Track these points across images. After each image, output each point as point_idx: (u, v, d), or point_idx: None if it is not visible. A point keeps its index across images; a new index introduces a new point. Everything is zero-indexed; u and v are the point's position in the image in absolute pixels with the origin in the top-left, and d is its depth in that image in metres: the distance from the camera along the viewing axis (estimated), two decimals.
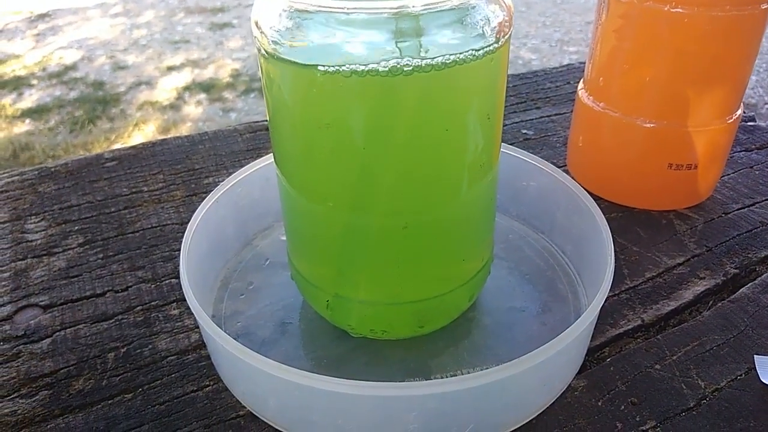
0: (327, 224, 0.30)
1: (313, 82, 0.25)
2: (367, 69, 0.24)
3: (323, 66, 0.24)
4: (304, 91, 0.26)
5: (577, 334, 0.27)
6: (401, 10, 0.24)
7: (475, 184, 0.29)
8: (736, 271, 0.40)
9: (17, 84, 2.36)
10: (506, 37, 0.27)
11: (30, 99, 2.25)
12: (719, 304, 0.37)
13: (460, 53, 0.25)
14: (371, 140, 0.26)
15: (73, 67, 2.53)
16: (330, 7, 0.24)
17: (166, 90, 2.34)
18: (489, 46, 0.26)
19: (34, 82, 2.39)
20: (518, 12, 3.20)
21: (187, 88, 2.37)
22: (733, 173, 0.50)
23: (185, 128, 2.08)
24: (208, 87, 2.35)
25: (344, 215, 0.29)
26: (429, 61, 0.24)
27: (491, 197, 0.32)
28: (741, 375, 0.33)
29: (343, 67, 0.24)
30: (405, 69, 0.23)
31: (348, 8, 0.24)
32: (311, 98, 0.26)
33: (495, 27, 0.26)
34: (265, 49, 0.26)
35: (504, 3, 0.27)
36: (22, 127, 2.07)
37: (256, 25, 0.27)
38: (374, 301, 0.32)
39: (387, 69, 0.23)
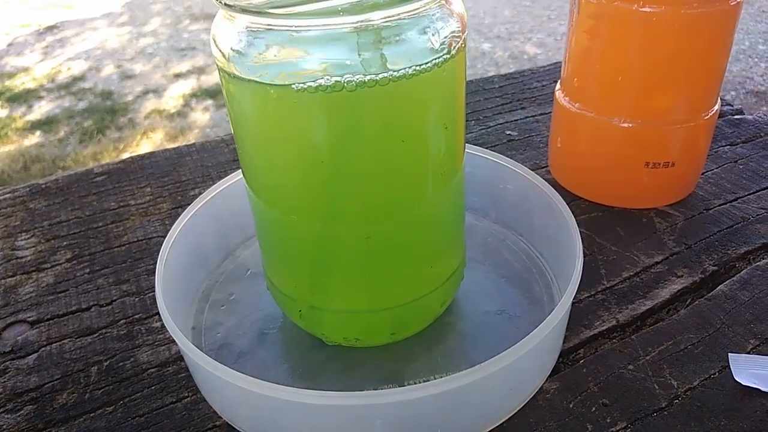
0: (293, 236, 0.31)
1: (267, 99, 0.26)
2: (316, 85, 0.24)
3: (276, 84, 0.25)
4: (260, 107, 0.27)
5: (538, 340, 0.28)
6: (347, 25, 0.24)
7: (436, 192, 0.30)
8: (715, 268, 0.40)
9: (27, 97, 2.40)
10: (459, 47, 0.27)
11: (39, 111, 2.28)
12: (696, 302, 0.37)
13: (409, 67, 0.25)
14: (327, 154, 0.27)
15: (81, 77, 2.56)
16: (281, 26, 0.25)
17: (173, 97, 2.37)
18: (440, 57, 0.26)
19: (44, 94, 2.42)
20: (522, 6, 3.19)
21: (193, 95, 2.39)
22: (717, 168, 0.50)
23: (193, 135, 2.10)
24: (214, 93, 2.37)
25: (309, 227, 0.29)
26: (373, 76, 0.24)
27: (457, 204, 0.33)
28: (714, 374, 0.33)
29: (294, 85, 0.25)
30: (350, 85, 0.24)
31: (297, 26, 0.24)
32: (267, 114, 0.27)
33: (446, 38, 0.26)
34: (222, 67, 0.27)
35: (456, 14, 0.27)
36: (33, 139, 2.10)
37: (215, 42, 0.28)
38: (344, 309, 0.32)
39: (331, 84, 0.24)
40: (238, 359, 0.35)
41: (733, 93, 2.22)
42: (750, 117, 0.56)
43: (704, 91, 0.41)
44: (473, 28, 2.94)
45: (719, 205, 0.45)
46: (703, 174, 0.48)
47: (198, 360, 0.28)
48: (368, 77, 0.24)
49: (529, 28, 2.93)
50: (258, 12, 0.24)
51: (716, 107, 0.43)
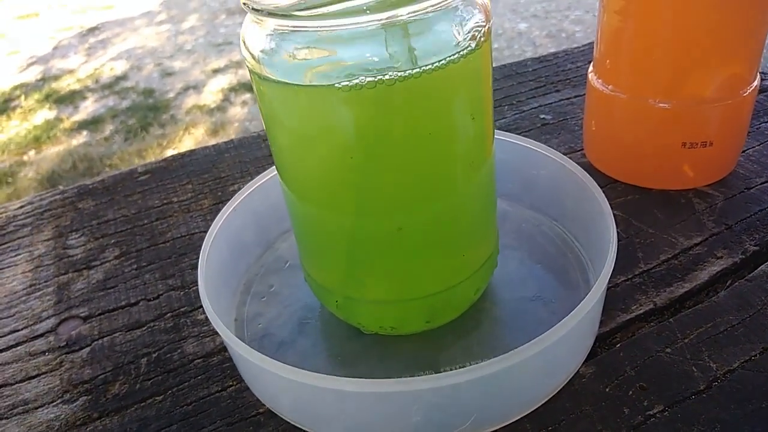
0: (327, 229, 0.31)
1: (297, 99, 0.27)
2: (346, 84, 0.25)
3: (304, 84, 0.26)
4: (291, 106, 0.28)
5: (573, 325, 0.28)
6: (374, 23, 0.24)
7: (466, 182, 0.30)
8: (756, 248, 0.39)
9: (73, 98, 2.47)
10: (483, 38, 0.27)
11: (85, 111, 2.35)
12: (736, 284, 0.37)
13: (437, 60, 0.25)
14: (357, 149, 0.27)
15: (123, 77, 2.63)
16: (308, 27, 0.25)
17: (212, 92, 2.41)
18: (466, 49, 0.26)
19: (88, 94, 2.50)
20: None
21: (232, 89, 2.43)
22: (759, 145, 0.48)
23: (233, 129, 2.14)
24: (252, 86, 2.41)
25: (341, 220, 0.30)
26: (402, 72, 0.24)
27: (487, 192, 0.33)
28: (755, 355, 0.33)
29: (323, 84, 0.25)
30: (378, 81, 0.24)
31: (323, 27, 0.25)
32: (297, 113, 0.27)
33: (471, 30, 0.26)
34: (253, 69, 0.28)
35: (479, 4, 0.27)
36: (80, 138, 2.17)
37: (244, 45, 0.28)
38: (379, 299, 0.33)
39: (360, 82, 0.24)
40: (279, 348, 0.36)
41: None
42: None
43: (742, 67, 0.40)
44: (509, 8, 2.90)
45: (761, 184, 0.44)
46: (743, 152, 0.47)
47: (241, 351, 0.30)
48: (397, 73, 0.25)
49: (566, 6, 2.87)
50: (284, 15, 0.25)
51: (756, 83, 0.42)
